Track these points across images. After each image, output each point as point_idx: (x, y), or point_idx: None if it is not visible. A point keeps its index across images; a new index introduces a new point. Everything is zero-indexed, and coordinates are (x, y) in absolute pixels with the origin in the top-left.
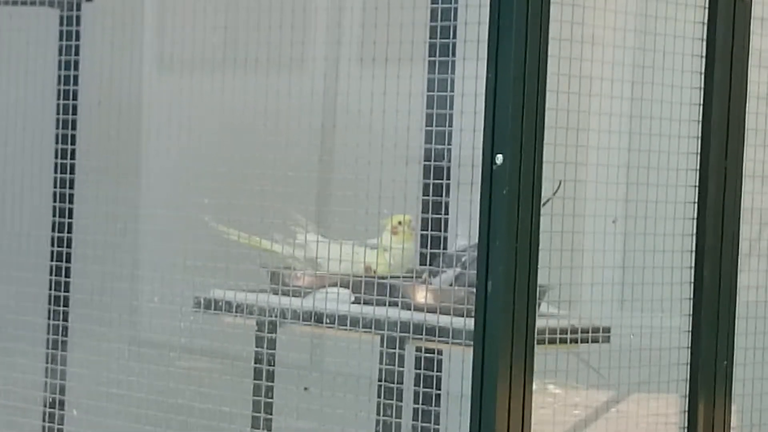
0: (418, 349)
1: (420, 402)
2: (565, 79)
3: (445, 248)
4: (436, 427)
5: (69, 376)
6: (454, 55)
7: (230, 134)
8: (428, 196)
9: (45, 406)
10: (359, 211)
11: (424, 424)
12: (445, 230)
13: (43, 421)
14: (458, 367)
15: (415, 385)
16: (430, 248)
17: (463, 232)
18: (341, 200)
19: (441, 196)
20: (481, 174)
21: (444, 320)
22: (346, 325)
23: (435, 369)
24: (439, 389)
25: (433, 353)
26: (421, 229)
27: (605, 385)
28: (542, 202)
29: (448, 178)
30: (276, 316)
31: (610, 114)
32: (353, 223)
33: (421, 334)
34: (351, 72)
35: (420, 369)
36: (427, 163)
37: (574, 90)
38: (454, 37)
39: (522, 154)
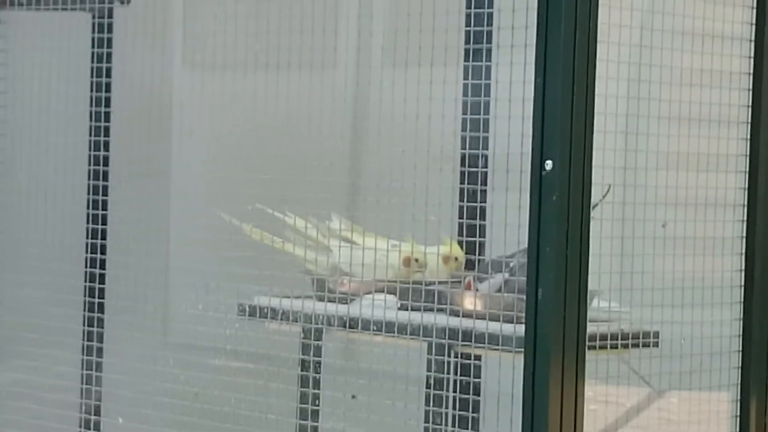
0: (463, 356)
1: (469, 408)
2: (613, 83)
3: (481, 254)
4: None
5: (107, 383)
6: (489, 59)
7: (261, 138)
8: (464, 201)
9: (82, 412)
10: (394, 216)
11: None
12: (482, 236)
13: (80, 427)
14: (497, 372)
15: (459, 392)
16: (467, 254)
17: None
18: (374, 205)
19: (477, 201)
20: (530, 180)
21: (492, 327)
22: (392, 332)
23: (472, 375)
24: (478, 395)
25: (474, 359)
26: (458, 235)
27: (654, 390)
28: (591, 207)
29: (485, 184)
30: (321, 323)
31: (658, 117)
32: (389, 228)
33: (469, 341)
34: (383, 76)
35: (468, 376)
36: (463, 169)
37: (622, 94)
38: (489, 42)
39: (572, 159)
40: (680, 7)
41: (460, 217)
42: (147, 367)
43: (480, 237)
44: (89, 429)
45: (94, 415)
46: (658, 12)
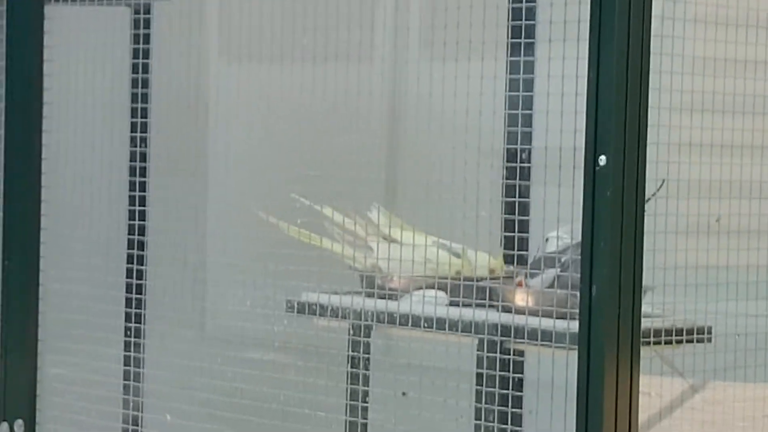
0: (509, 352)
1: (519, 405)
2: (667, 76)
3: (525, 249)
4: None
5: (149, 379)
6: (533, 54)
7: (298, 132)
8: (507, 196)
9: (127, 408)
10: (435, 212)
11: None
12: (526, 231)
13: (122, 423)
14: (547, 368)
15: (505, 388)
16: (508, 249)
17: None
18: (414, 199)
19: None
20: (584, 175)
21: (544, 323)
22: (442, 328)
23: (524, 371)
24: (521, 391)
25: (517, 355)
26: (502, 230)
27: (706, 386)
28: (645, 201)
29: (528, 179)
30: (370, 320)
31: (712, 111)
32: (429, 222)
33: (520, 337)
34: (420, 70)
35: (518, 372)
36: (507, 164)
37: (676, 87)
38: (533, 37)
39: (625, 154)
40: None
41: (504, 213)
42: (190, 364)
43: (523, 232)
44: (131, 425)
45: (135, 411)
46: (701, 3)
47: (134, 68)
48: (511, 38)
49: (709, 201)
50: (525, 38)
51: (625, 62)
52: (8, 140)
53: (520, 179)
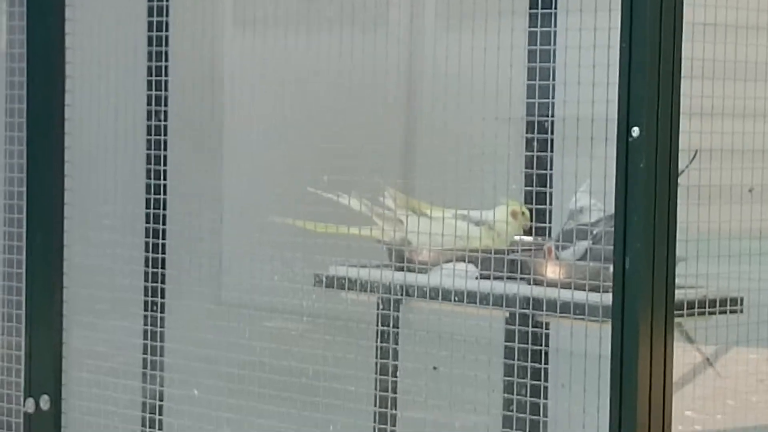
0: (544, 326)
1: (547, 378)
2: (699, 45)
3: (549, 221)
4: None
5: (170, 353)
6: (555, 24)
7: (314, 101)
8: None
9: (149, 383)
10: (454, 178)
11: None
12: (550, 203)
13: (143, 397)
14: (579, 341)
15: (536, 362)
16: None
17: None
18: (432, 165)
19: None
20: (616, 147)
21: (576, 296)
22: (473, 302)
23: (543, 344)
24: (552, 365)
25: (545, 328)
26: (525, 202)
27: (737, 357)
28: (678, 173)
29: (551, 150)
30: (399, 293)
31: (744, 80)
32: (447, 188)
33: (551, 310)
34: (437, 39)
35: (552, 345)
36: (529, 135)
37: (708, 57)
38: (555, 6)
39: (659, 125)
40: None
41: (527, 185)
42: (215, 337)
43: (547, 204)
44: (157, 400)
45: (160, 386)
46: None
47: (150, 41)
48: (533, 8)
49: (741, 172)
50: (547, 8)
51: (658, 32)
52: (31, 117)
53: (544, 151)
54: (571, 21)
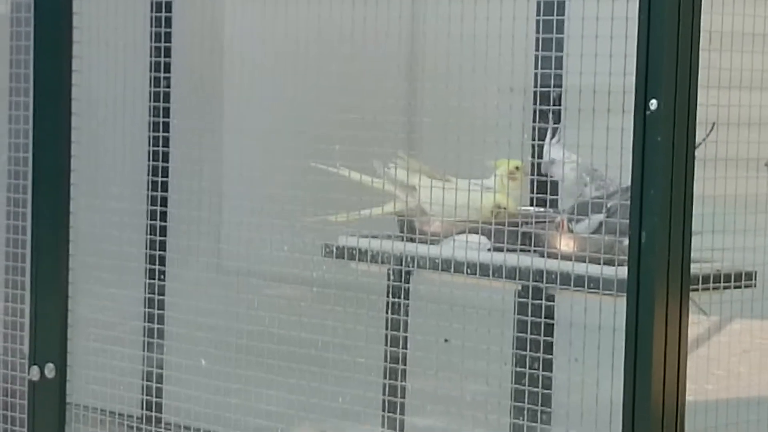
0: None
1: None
2: (718, 18)
3: (556, 192)
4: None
5: (175, 322)
6: None
7: (317, 65)
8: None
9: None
10: (458, 145)
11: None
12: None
13: (144, 365)
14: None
15: (549, 335)
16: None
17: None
18: (437, 135)
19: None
20: (633, 120)
21: (590, 269)
22: (486, 274)
23: (555, 317)
24: (550, 336)
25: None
26: (531, 174)
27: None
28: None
29: (558, 121)
30: (410, 265)
31: (762, 52)
32: (453, 157)
33: (565, 283)
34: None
35: (565, 318)
36: (535, 106)
37: (727, 29)
38: None
39: (677, 98)
40: None
41: (532, 156)
42: (224, 308)
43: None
44: (160, 368)
45: (164, 354)
46: None
47: (156, 9)
48: None
49: (758, 145)
50: None
51: (677, 4)
52: (38, 86)
53: (542, 121)
54: None
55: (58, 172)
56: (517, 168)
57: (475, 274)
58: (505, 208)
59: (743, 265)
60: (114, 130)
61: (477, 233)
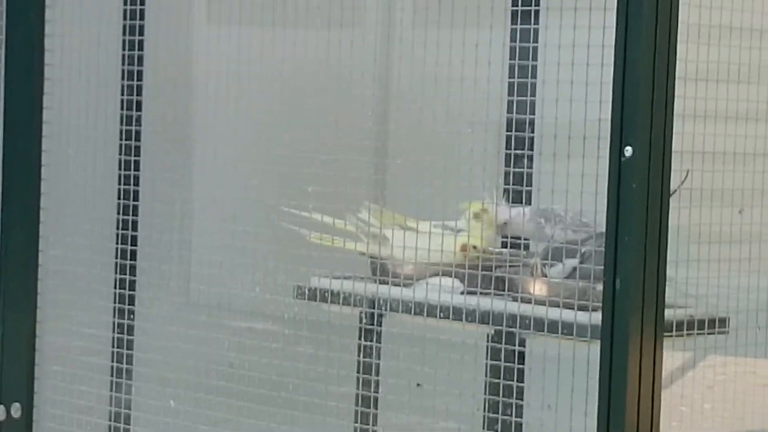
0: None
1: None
2: (693, 65)
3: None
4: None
5: (143, 362)
6: (537, 21)
7: (287, 98)
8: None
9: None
10: (431, 187)
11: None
12: (528, 203)
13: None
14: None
15: (521, 380)
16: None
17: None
18: (406, 174)
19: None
20: (609, 166)
21: (563, 314)
22: (458, 318)
23: (526, 362)
24: (522, 382)
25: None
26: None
27: (724, 378)
28: (670, 193)
29: (531, 149)
30: (382, 307)
31: (737, 100)
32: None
33: (538, 328)
34: (414, 36)
35: (538, 364)
36: (509, 133)
37: (702, 77)
38: (537, 4)
39: (651, 145)
40: None
41: (506, 184)
42: (193, 348)
43: (525, 203)
44: (128, 409)
45: (132, 395)
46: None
47: (124, 45)
48: (515, 6)
49: (732, 192)
50: (530, 5)
51: (652, 53)
52: (8, 118)
53: (516, 149)
54: (564, 36)
55: (27, 209)
56: (482, 209)
57: (448, 317)
58: (475, 247)
59: (717, 311)
60: (84, 167)
61: (450, 276)
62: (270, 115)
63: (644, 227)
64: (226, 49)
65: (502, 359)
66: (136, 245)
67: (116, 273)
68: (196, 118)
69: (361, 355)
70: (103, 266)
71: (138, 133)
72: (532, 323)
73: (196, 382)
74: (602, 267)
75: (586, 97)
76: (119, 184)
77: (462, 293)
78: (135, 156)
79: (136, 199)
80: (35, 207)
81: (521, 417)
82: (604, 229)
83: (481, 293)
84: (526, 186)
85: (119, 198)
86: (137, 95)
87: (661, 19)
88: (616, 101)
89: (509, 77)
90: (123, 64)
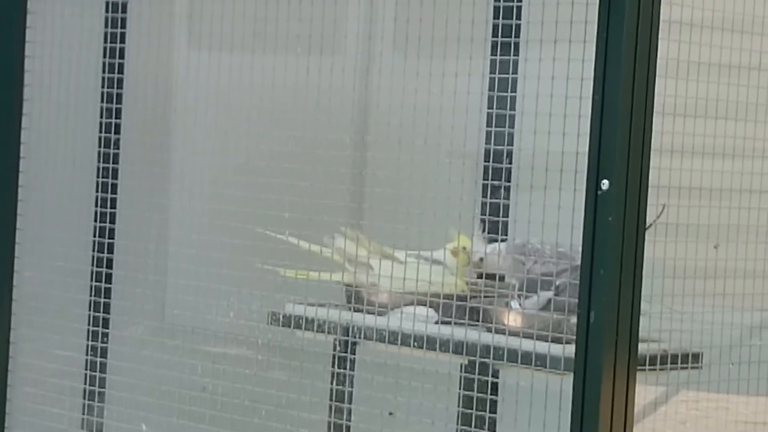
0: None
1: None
2: (671, 100)
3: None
4: None
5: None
6: (517, 53)
7: (268, 125)
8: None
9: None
10: (406, 215)
11: None
12: (505, 234)
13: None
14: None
15: (493, 412)
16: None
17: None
18: (383, 202)
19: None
20: (585, 200)
21: (537, 346)
22: (432, 347)
23: (500, 393)
24: (495, 413)
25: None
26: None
27: (696, 407)
28: (646, 227)
29: (508, 180)
30: (356, 335)
31: (714, 135)
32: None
33: (512, 359)
34: (394, 65)
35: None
36: (486, 164)
37: (680, 112)
38: (517, 36)
39: (628, 178)
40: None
41: (482, 214)
42: (167, 372)
43: (502, 234)
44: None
45: (100, 417)
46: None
47: (105, 53)
48: (495, 37)
49: (708, 228)
50: (510, 37)
51: (631, 86)
52: None
53: (494, 180)
54: (543, 68)
55: (1, 231)
56: (464, 248)
57: (422, 347)
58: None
59: (690, 347)
60: (61, 189)
61: (424, 305)
62: (248, 141)
63: (619, 260)
64: (205, 74)
65: (475, 389)
66: (111, 268)
67: (91, 295)
68: (174, 143)
69: (334, 383)
70: (78, 289)
71: (116, 156)
72: (505, 354)
73: (169, 406)
74: (577, 300)
75: (564, 129)
76: (95, 206)
77: (436, 323)
78: (112, 179)
79: (112, 221)
80: (11, 228)
81: None
82: (579, 262)
83: (455, 323)
84: (503, 217)
85: (95, 221)
86: (116, 118)
87: (639, 53)
88: (593, 134)
89: (488, 108)
90: (102, 86)
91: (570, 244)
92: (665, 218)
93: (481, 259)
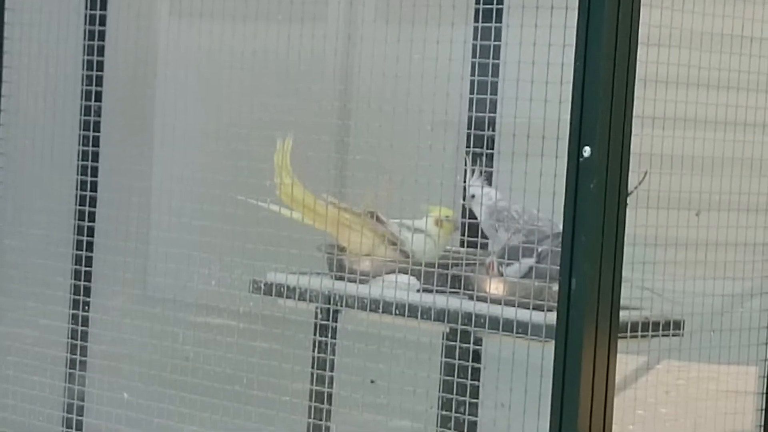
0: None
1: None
2: (653, 67)
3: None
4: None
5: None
6: (500, 19)
7: (249, 91)
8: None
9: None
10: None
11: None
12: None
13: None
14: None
15: (475, 379)
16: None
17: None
18: (369, 171)
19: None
20: (567, 167)
21: (519, 314)
22: (414, 315)
23: (482, 361)
24: (477, 380)
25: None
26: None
27: (678, 377)
28: (627, 194)
29: (491, 148)
30: (338, 303)
31: (696, 103)
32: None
33: (493, 327)
34: (376, 31)
35: (492, 363)
36: (469, 131)
37: (662, 78)
38: (500, 2)
39: (610, 145)
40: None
41: (464, 182)
42: (148, 341)
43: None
44: (81, 400)
45: (81, 385)
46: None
47: (87, 25)
48: (477, 3)
49: (690, 195)
50: (492, 4)
51: (613, 53)
52: None
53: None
54: (525, 34)
55: None
56: (447, 217)
57: (404, 314)
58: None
59: (672, 314)
60: (42, 158)
61: (406, 273)
62: (229, 108)
63: (601, 228)
64: (187, 42)
65: (457, 357)
66: (93, 237)
67: (73, 264)
68: (157, 111)
69: (316, 351)
70: (59, 257)
71: (97, 124)
72: (487, 322)
73: (151, 374)
74: (558, 267)
75: (545, 96)
76: (77, 174)
77: (418, 291)
78: (94, 147)
79: (93, 190)
80: None
81: (475, 415)
82: (561, 229)
83: (437, 291)
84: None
85: (77, 189)
86: (97, 86)
87: (622, 20)
88: (575, 101)
89: (470, 75)
90: (84, 54)
91: (552, 211)
92: (647, 185)
93: (473, 196)
